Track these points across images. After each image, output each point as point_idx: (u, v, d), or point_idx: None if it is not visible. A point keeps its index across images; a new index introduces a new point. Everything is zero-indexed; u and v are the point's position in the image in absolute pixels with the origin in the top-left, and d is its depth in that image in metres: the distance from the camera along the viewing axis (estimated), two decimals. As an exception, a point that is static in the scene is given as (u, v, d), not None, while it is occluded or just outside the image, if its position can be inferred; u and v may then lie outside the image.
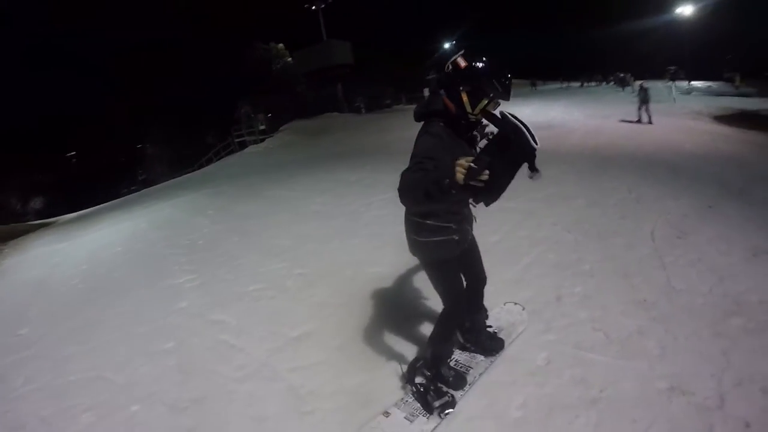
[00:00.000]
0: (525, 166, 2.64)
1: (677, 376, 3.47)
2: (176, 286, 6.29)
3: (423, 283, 5.16)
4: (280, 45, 41.98)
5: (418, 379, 3.47)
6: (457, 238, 3.10)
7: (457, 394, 3.37)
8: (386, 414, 3.29)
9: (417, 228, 3.09)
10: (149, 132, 45.22)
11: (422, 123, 2.97)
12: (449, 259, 3.15)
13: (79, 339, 5.31)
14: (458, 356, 3.80)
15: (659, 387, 3.39)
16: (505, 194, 2.60)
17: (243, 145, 27.81)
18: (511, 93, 2.77)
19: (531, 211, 7.28)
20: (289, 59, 41.00)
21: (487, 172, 2.21)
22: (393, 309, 4.79)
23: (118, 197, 21.04)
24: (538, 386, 3.48)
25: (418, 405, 3.32)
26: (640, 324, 4.15)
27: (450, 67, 2.82)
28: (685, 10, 41.86)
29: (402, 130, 21.25)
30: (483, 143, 2.89)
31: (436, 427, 3.17)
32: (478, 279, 3.56)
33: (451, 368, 3.53)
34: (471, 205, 3.13)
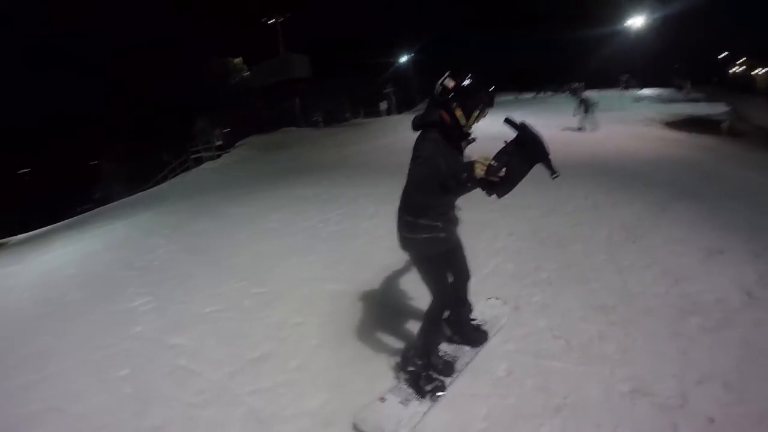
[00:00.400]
0: (546, 173, 3.09)
1: (639, 378, 3.52)
2: (131, 310, 6.06)
3: (381, 298, 5.20)
4: (238, 59, 41.57)
5: (410, 368, 3.65)
6: (443, 235, 3.37)
7: (447, 380, 3.62)
8: (382, 399, 3.52)
9: (409, 227, 3.36)
10: (103, 148, 44.00)
11: (419, 132, 3.28)
12: (437, 255, 3.43)
13: (32, 367, 5.01)
14: (446, 348, 3.96)
15: (622, 390, 3.43)
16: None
17: (199, 162, 27.26)
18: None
19: (488, 222, 7.34)
20: (247, 73, 40.65)
21: (504, 169, 2.65)
22: (352, 326, 4.72)
23: (73, 216, 20.34)
24: (500, 397, 3.47)
25: (412, 390, 3.56)
26: (599, 329, 4.20)
27: (440, 89, 3.14)
28: (636, 22, 43.25)
29: (359, 144, 21.35)
30: (466, 151, 3.33)
31: (428, 409, 3.39)
32: (463, 275, 3.85)
33: (440, 357, 3.76)
34: (456, 209, 3.53)
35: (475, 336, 4.06)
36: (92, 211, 19.47)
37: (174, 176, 25.85)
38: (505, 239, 6.66)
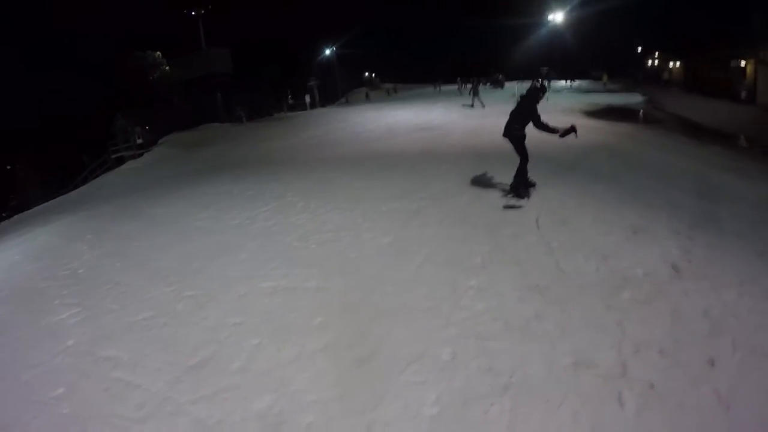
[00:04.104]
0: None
1: (580, 352, 3.68)
2: (59, 323, 5.66)
3: (316, 293, 5.19)
4: (158, 53, 39.71)
5: (515, 189, 7.55)
6: (524, 133, 7.40)
7: (530, 191, 7.59)
8: (507, 206, 7.27)
9: (516, 129, 7.36)
10: (18, 152, 41.16)
11: (528, 96, 7.51)
12: (523, 139, 7.41)
13: (-45, 394, 4.65)
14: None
15: (564, 363, 3.57)
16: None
17: (120, 161, 26.13)
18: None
19: (418, 210, 7.48)
20: (167, 68, 39.03)
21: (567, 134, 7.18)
22: (291, 323, 4.65)
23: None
24: (448, 381, 3.51)
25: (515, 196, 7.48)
26: (536, 308, 4.36)
27: (535, 86, 7.73)
28: (557, 17, 44.89)
29: (284, 138, 21.20)
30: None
31: (525, 202, 7.18)
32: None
33: (527, 182, 7.64)
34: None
35: (532, 182, 7.75)
36: (9, 219, 18.31)
37: (94, 178, 24.64)
38: (436, 227, 6.77)
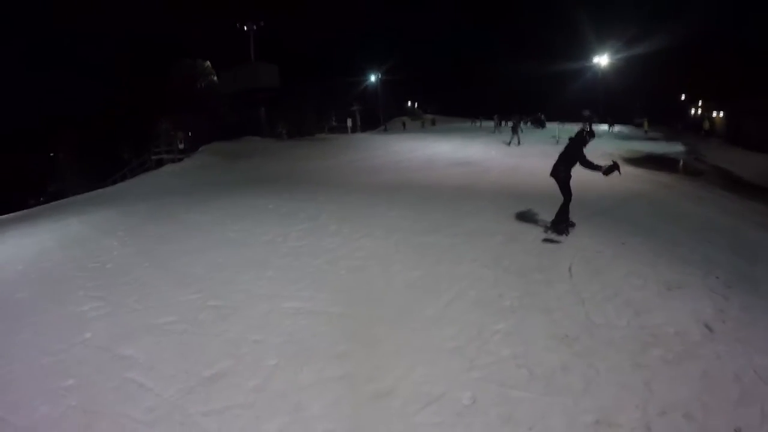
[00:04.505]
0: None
1: (603, 409, 3.53)
2: (81, 314, 5.73)
3: (340, 320, 5.12)
4: (207, 62, 40.67)
5: (556, 226, 7.82)
6: (571, 175, 7.78)
7: (570, 230, 7.89)
8: (545, 230, 8.03)
9: (563, 171, 7.76)
10: (62, 140, 42.27)
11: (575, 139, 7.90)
12: (568, 180, 7.76)
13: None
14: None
15: (586, 421, 3.43)
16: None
17: (160, 163, 26.64)
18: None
19: (451, 247, 7.39)
20: (215, 78, 39.84)
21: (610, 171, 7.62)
22: (311, 347, 4.60)
23: (26, 208, 19.44)
24: (465, 427, 3.41)
25: (555, 232, 7.83)
26: (563, 359, 4.22)
27: (586, 129, 8.04)
28: (602, 61, 44.65)
29: (322, 159, 21.34)
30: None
31: (563, 238, 7.64)
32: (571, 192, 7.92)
33: (568, 221, 7.88)
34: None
35: (572, 222, 8.00)
36: (47, 205, 18.75)
37: (134, 176, 25.18)
38: (468, 265, 6.66)
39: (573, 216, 7.93)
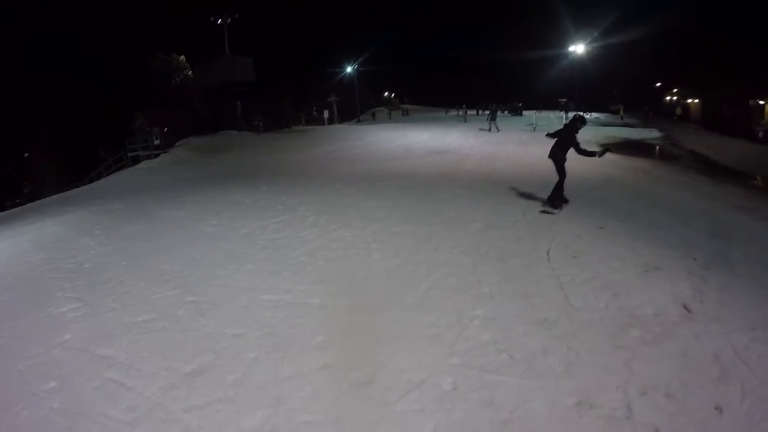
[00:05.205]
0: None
1: (584, 391, 3.57)
2: (59, 316, 5.65)
3: (319, 311, 5.11)
4: (182, 57, 40.08)
5: (551, 201, 8.40)
6: (566, 157, 8.49)
7: (563, 205, 8.52)
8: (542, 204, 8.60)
9: (560, 153, 8.44)
10: (36, 140, 41.43)
11: (569, 127, 8.66)
12: (564, 161, 8.48)
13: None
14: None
15: (568, 403, 3.46)
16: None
17: (136, 160, 26.33)
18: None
19: (429, 235, 7.40)
20: (190, 72, 39.31)
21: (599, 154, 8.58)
22: (291, 339, 4.58)
23: (2, 210, 19.11)
24: (447, 412, 3.42)
25: (552, 207, 8.45)
26: (543, 343, 4.25)
27: (576, 117, 8.73)
28: (578, 49, 44.89)
29: (300, 151, 21.23)
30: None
31: (557, 212, 8.24)
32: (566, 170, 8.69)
33: (561, 199, 8.51)
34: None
35: (566, 199, 8.74)
36: (22, 206, 18.45)
37: (109, 174, 24.86)
38: (447, 252, 6.68)
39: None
